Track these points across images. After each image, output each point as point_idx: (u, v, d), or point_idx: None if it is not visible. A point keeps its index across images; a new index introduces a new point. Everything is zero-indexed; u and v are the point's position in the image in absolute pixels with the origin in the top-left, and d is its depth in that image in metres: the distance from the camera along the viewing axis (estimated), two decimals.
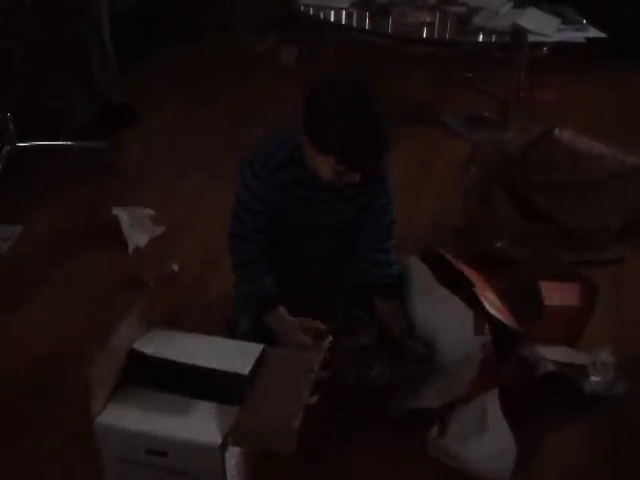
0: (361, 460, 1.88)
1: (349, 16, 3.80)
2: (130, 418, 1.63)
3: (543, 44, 3.50)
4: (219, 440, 1.57)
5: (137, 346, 1.76)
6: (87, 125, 3.39)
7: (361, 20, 3.80)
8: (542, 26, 3.47)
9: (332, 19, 3.80)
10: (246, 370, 1.69)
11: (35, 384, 2.10)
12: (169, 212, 2.91)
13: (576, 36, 3.49)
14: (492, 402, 1.89)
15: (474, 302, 2.08)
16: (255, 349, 1.76)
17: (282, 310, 1.99)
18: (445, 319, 2.04)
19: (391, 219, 2.10)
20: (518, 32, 3.44)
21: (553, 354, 2.04)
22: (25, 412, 2.01)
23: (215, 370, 1.68)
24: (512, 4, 3.74)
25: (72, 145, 3.30)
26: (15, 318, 2.36)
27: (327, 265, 2.13)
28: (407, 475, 1.86)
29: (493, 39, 3.56)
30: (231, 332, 2.06)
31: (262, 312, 1.99)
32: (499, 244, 2.59)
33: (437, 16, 3.75)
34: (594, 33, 3.53)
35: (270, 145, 1.95)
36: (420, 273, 2.12)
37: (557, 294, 2.18)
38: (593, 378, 2.04)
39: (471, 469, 1.82)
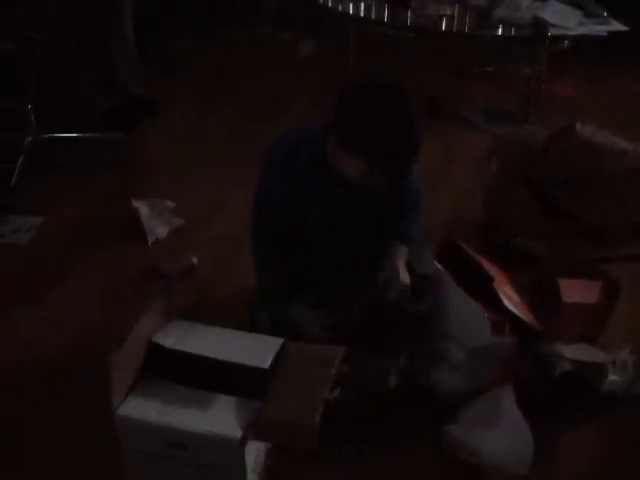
0: (376, 457, 1.88)
1: (368, 8, 3.79)
2: (150, 410, 1.64)
3: (564, 37, 3.47)
4: (239, 434, 1.57)
5: (157, 339, 1.76)
6: (106, 117, 3.41)
7: (380, 12, 3.78)
8: (564, 19, 3.44)
9: (351, 11, 3.79)
10: (266, 364, 1.69)
11: (55, 375, 2.11)
12: (188, 204, 2.92)
13: (598, 30, 3.46)
14: (506, 395, 1.89)
15: (493, 297, 2.08)
16: (275, 343, 1.76)
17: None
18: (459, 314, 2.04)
19: (417, 195, 2.10)
20: (539, 25, 3.42)
21: (571, 352, 2.03)
22: (43, 403, 2.03)
23: (235, 364, 1.68)
24: None
25: (92, 137, 3.32)
26: (36, 309, 2.38)
27: (347, 266, 2.10)
28: (422, 472, 1.85)
29: (513, 32, 3.53)
30: (251, 327, 2.06)
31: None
32: (519, 239, 2.58)
33: (457, 8, 3.72)
34: (616, 26, 3.50)
35: (289, 145, 1.94)
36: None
37: (576, 291, 2.17)
38: (612, 377, 2.01)
39: (488, 462, 1.81)
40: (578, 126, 2.72)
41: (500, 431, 1.84)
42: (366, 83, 1.85)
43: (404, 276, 1.98)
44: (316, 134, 1.90)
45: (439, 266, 2.11)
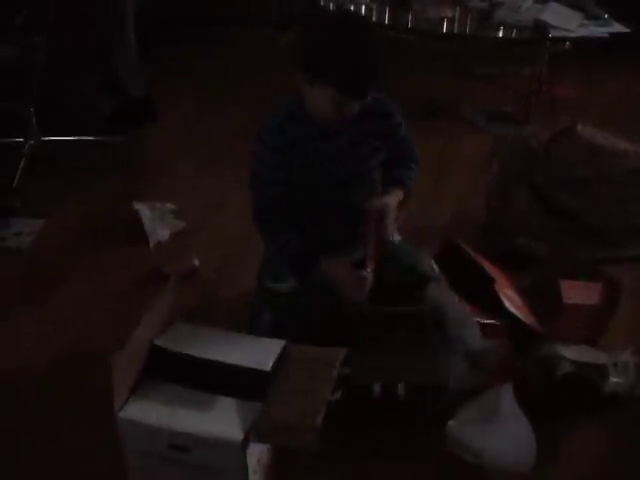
0: (377, 457, 1.88)
1: (369, 10, 3.80)
2: (152, 413, 1.64)
3: (565, 39, 3.48)
4: (241, 436, 1.57)
5: (159, 341, 1.76)
6: (107, 120, 3.41)
7: (381, 14, 3.79)
8: (565, 21, 3.45)
9: None
10: (268, 366, 1.69)
11: (56, 378, 2.12)
12: (189, 206, 2.93)
13: (599, 31, 3.47)
14: (506, 394, 1.89)
15: (494, 299, 2.08)
16: (277, 345, 1.76)
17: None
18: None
19: (410, 154, 2.14)
20: (540, 27, 3.42)
21: (572, 353, 2.03)
22: (44, 405, 2.03)
23: (237, 366, 1.69)
24: None
25: (93, 140, 3.33)
26: (38, 311, 2.39)
27: (345, 225, 2.09)
28: (424, 471, 1.85)
29: (514, 34, 3.54)
30: (251, 328, 2.06)
31: (312, 267, 1.98)
32: (520, 240, 2.58)
33: (458, 11, 3.73)
34: (617, 28, 3.51)
35: (274, 113, 2.03)
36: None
37: (577, 293, 2.17)
38: (613, 379, 2.00)
39: (491, 463, 1.81)
40: (579, 127, 2.73)
41: (502, 431, 1.84)
42: (327, 18, 2.04)
43: (392, 213, 1.98)
44: (297, 97, 1.98)
45: (436, 268, 2.11)
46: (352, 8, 3.79)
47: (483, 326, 2.02)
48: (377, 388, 1.88)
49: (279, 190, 2.00)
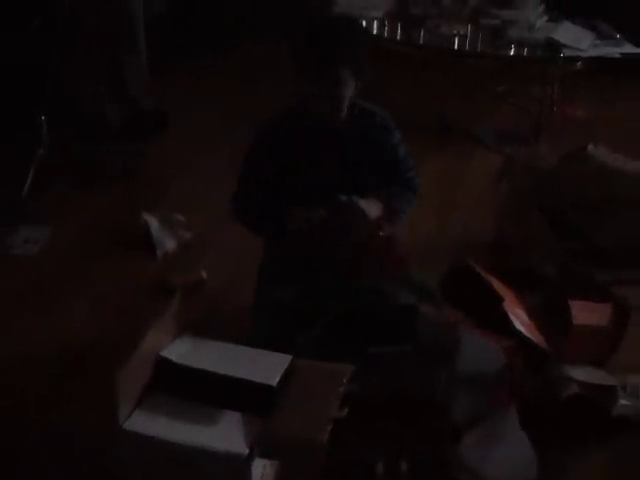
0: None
1: (381, 26, 3.80)
2: (157, 426, 1.64)
3: (577, 59, 3.48)
4: (246, 450, 1.57)
5: (165, 353, 1.76)
6: (118, 129, 3.42)
7: (393, 30, 3.79)
8: (577, 41, 3.46)
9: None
10: (274, 381, 1.68)
11: (62, 389, 2.12)
12: (199, 218, 2.93)
13: (611, 51, 3.47)
14: (510, 416, 1.89)
15: (503, 318, 2.07)
16: (284, 360, 1.76)
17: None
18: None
19: (411, 176, 2.21)
20: (552, 46, 3.43)
21: (580, 374, 2.02)
22: (46, 416, 2.04)
23: (243, 380, 1.68)
24: (547, 18, 3.71)
25: (103, 149, 3.33)
26: (44, 320, 2.38)
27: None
28: None
29: (526, 52, 3.54)
30: (252, 337, 2.04)
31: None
32: (530, 260, 2.57)
33: (470, 28, 3.74)
34: (629, 49, 3.51)
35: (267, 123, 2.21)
36: None
37: (586, 314, 2.16)
38: (622, 401, 2.00)
39: None
40: (590, 148, 2.72)
41: (502, 451, 1.83)
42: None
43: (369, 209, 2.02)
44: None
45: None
46: (364, 23, 3.80)
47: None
48: (380, 468, 1.85)
49: (264, 181, 2.11)
